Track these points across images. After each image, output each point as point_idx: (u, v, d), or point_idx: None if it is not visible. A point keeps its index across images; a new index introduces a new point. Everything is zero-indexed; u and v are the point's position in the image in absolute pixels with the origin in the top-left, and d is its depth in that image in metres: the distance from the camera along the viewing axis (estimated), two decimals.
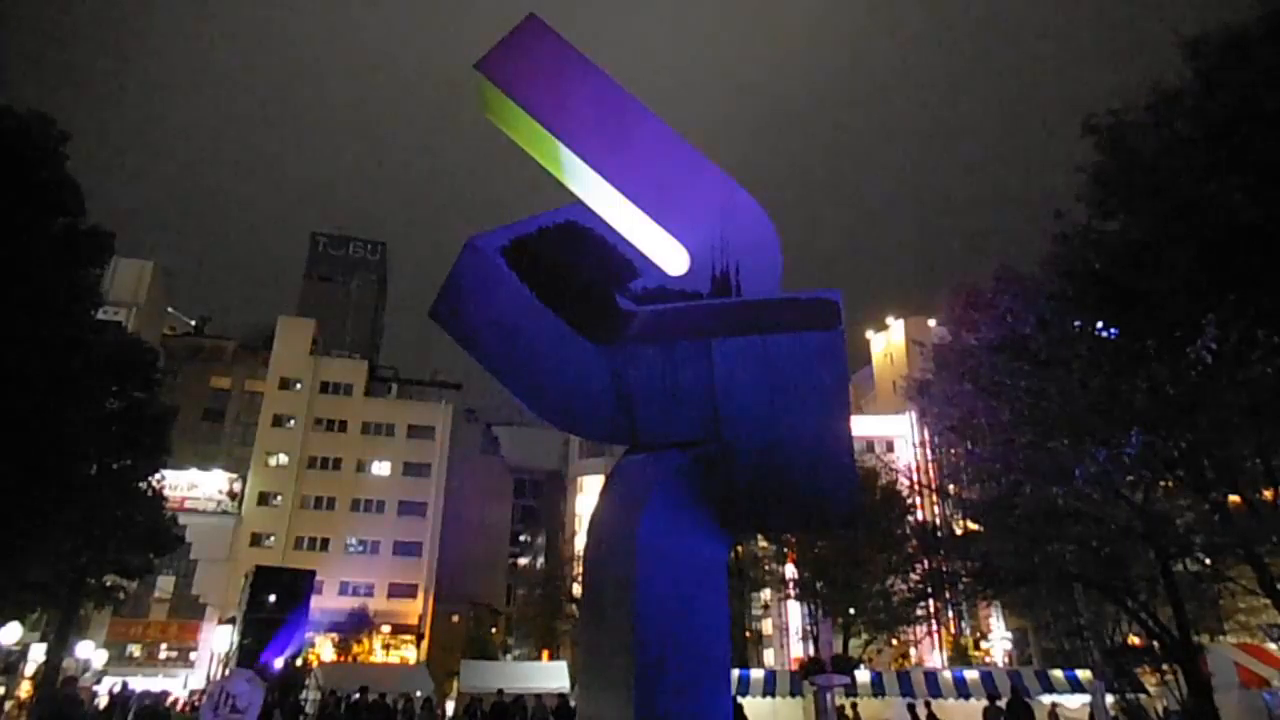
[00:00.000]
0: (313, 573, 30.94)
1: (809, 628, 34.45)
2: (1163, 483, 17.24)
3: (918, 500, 31.90)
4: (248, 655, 24.41)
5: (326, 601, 47.50)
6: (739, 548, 32.23)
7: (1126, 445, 14.17)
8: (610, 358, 4.20)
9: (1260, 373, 13.61)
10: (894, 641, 35.72)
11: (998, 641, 43.80)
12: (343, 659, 44.28)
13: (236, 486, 54.18)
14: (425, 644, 50.74)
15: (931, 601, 27.17)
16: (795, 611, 39.69)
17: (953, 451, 22.92)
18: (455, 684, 37.42)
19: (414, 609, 53.03)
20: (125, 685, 25.99)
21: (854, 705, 23.06)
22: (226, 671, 10.59)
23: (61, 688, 20.36)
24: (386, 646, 49.62)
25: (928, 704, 21.94)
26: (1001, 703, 19.21)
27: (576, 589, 38.39)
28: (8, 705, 26.57)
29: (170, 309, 68.05)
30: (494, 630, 59.90)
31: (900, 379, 41.53)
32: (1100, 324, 16.25)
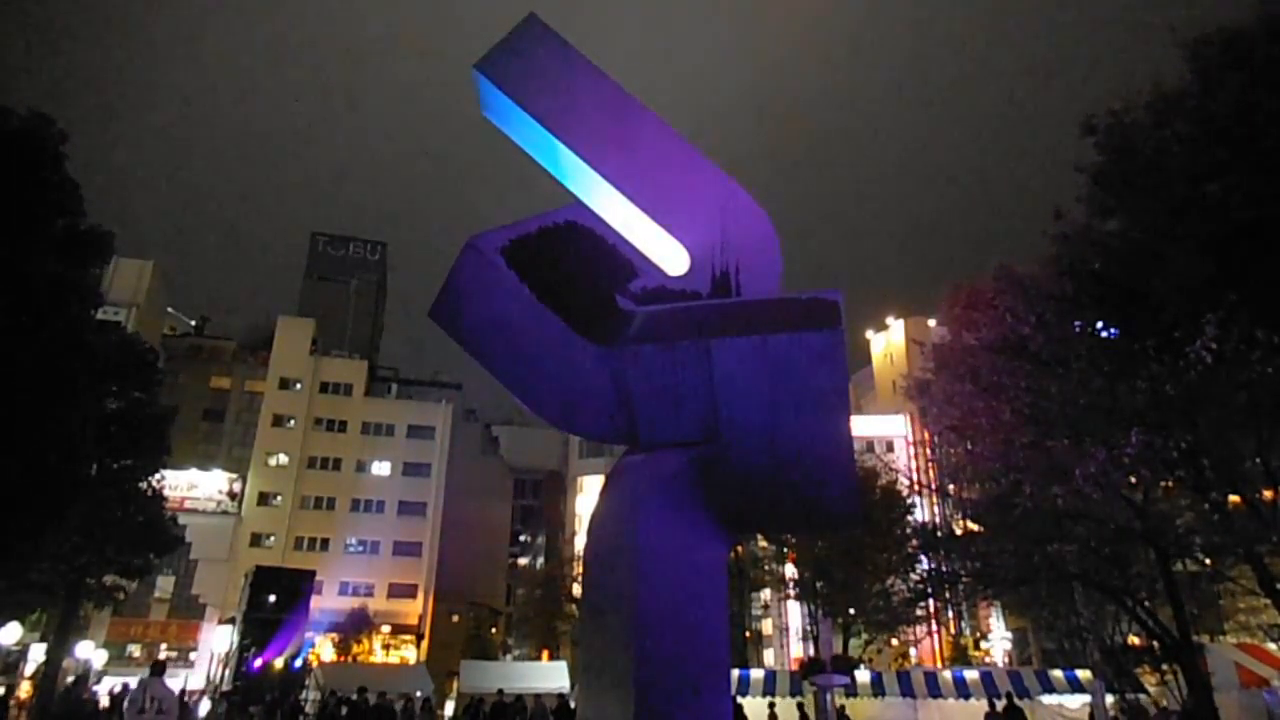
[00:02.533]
0: (313, 573, 31.02)
1: (809, 628, 34.47)
2: (1163, 483, 17.24)
3: (918, 500, 31.92)
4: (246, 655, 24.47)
5: (326, 601, 47.55)
6: (739, 548, 32.25)
7: (1126, 445, 14.17)
8: (610, 358, 4.20)
9: (1260, 373, 13.61)
10: (894, 641, 35.74)
11: (998, 641, 43.83)
12: (343, 659, 44.32)
13: (236, 486, 54.21)
14: (425, 644, 50.78)
15: (931, 601, 27.20)
16: (795, 611, 39.73)
17: (952, 451, 22.92)
18: (455, 684, 37.48)
19: (414, 609, 53.06)
20: (126, 686, 25.97)
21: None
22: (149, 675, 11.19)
23: (72, 688, 20.39)
24: (386, 646, 49.66)
25: (842, 708, 22.02)
26: (1000, 705, 19.38)
27: (576, 589, 38.41)
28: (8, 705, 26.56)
29: (170, 309, 68.08)
30: (494, 630, 59.93)
31: (900, 379, 41.57)
32: (1100, 324, 16.25)
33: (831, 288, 4.26)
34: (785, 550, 33.05)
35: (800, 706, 22.47)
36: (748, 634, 41.09)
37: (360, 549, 54.74)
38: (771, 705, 22.62)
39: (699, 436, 4.10)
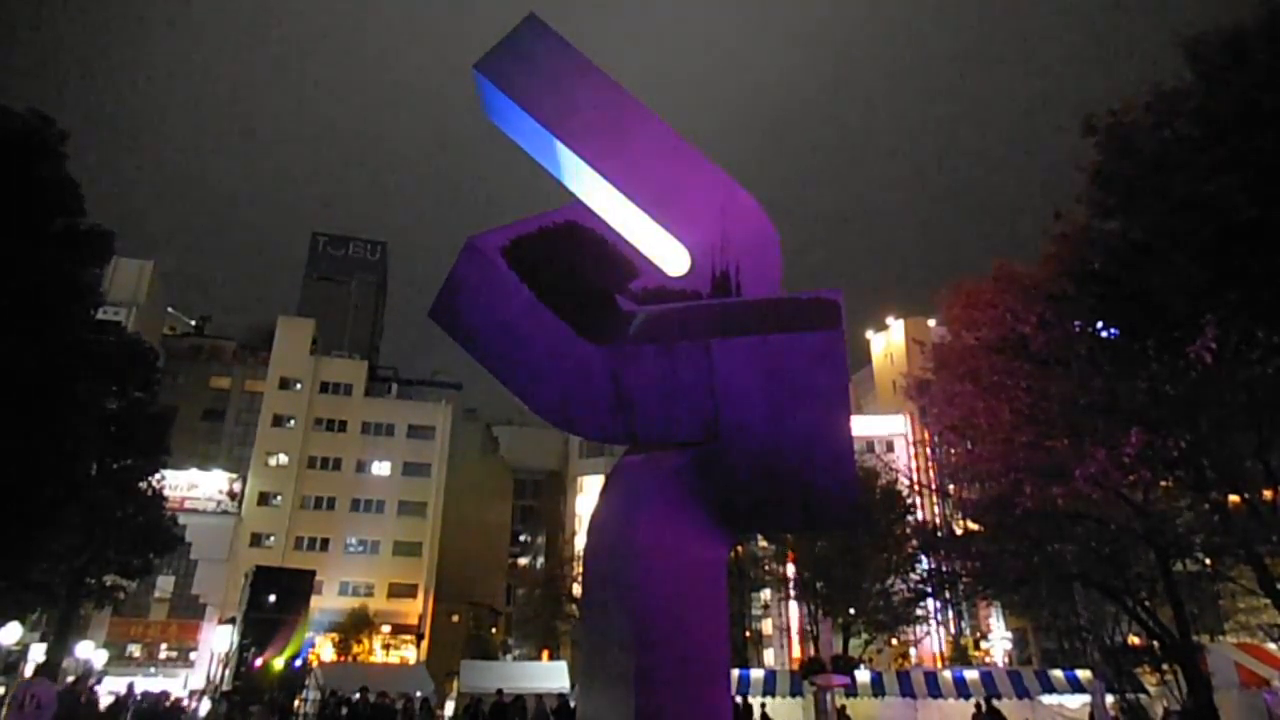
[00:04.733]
0: (313, 573, 30.95)
1: (809, 628, 34.46)
2: (1163, 483, 17.24)
3: (918, 500, 31.91)
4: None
5: (326, 601, 47.53)
6: (739, 548, 32.25)
7: (1126, 445, 14.16)
8: (610, 358, 4.20)
9: (1260, 373, 13.61)
10: (894, 641, 35.74)
11: (998, 641, 43.84)
12: (343, 659, 44.29)
13: (236, 486, 54.20)
14: (425, 644, 50.75)
15: (931, 601, 27.20)
16: (795, 611, 39.72)
17: (952, 451, 22.90)
18: (455, 684, 37.44)
19: (414, 609, 53.04)
20: (130, 687, 25.98)
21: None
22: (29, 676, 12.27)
23: (72, 688, 20.43)
24: (386, 646, 49.64)
25: (843, 708, 21.95)
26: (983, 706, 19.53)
27: (576, 589, 38.40)
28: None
29: (170, 309, 68.12)
30: (494, 630, 59.92)
31: (900, 378, 41.53)
32: (1100, 324, 16.25)
33: (831, 288, 4.26)
34: (785, 550, 33.03)
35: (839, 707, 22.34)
36: (748, 634, 41.07)
37: (360, 549, 54.72)
38: (763, 706, 22.61)
39: (699, 436, 4.10)
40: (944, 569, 22.82)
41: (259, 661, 24.56)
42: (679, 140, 4.96)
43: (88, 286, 19.22)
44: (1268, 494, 15.50)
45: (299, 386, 57.81)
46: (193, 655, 48.06)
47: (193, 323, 73.19)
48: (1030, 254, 18.09)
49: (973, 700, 21.90)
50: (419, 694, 27.44)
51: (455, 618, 56.03)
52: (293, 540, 53.38)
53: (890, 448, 48.24)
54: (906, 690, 23.07)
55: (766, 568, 35.46)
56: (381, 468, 57.13)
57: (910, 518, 30.52)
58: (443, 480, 57.47)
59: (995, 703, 20.09)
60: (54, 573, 22.95)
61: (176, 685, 39.02)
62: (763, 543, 34.19)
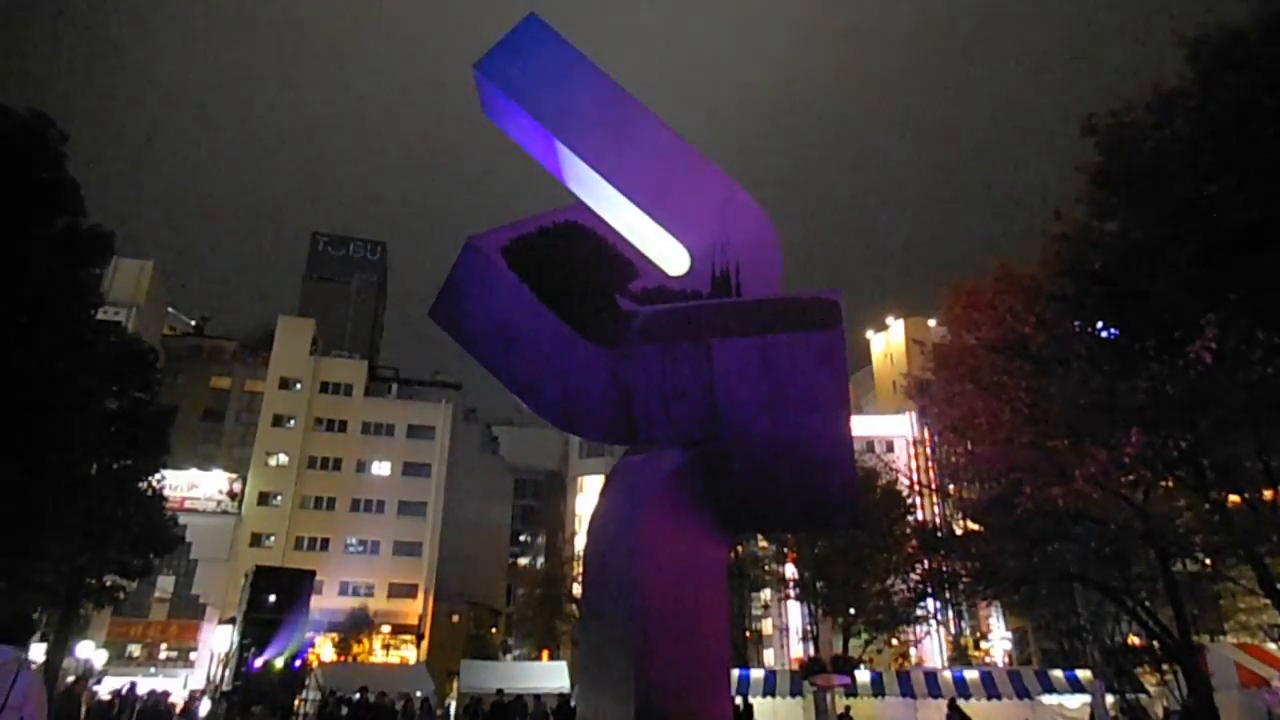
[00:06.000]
0: (313, 573, 30.88)
1: (809, 628, 34.45)
2: (1163, 483, 17.25)
3: (918, 500, 31.89)
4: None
5: (326, 601, 47.48)
6: (739, 548, 32.22)
7: (1126, 445, 14.17)
8: (610, 358, 4.20)
9: (1260, 373, 13.61)
10: (894, 641, 35.71)
11: (998, 641, 43.84)
12: (343, 659, 44.27)
13: (236, 486, 54.16)
14: (425, 644, 50.74)
15: (931, 601, 27.19)
16: (795, 611, 39.70)
17: (953, 451, 22.91)
18: (455, 684, 37.46)
19: (414, 609, 53.03)
20: (133, 686, 25.96)
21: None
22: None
23: (72, 688, 20.43)
24: (386, 646, 49.63)
25: (847, 709, 22.00)
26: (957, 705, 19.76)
27: (576, 589, 38.39)
28: None
29: (170, 309, 68.06)
30: (494, 630, 59.88)
31: (900, 378, 41.53)
32: (1100, 324, 16.26)
33: (831, 287, 4.26)
34: (785, 550, 33.02)
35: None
36: (748, 634, 41.04)
37: (360, 549, 54.70)
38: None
39: (699, 436, 4.10)
40: (944, 569, 22.81)
41: (259, 662, 24.54)
42: (679, 140, 4.96)
43: (88, 286, 19.20)
44: (1268, 494, 15.51)
45: (299, 386, 57.79)
46: (193, 655, 48.03)
47: (193, 323, 73.11)
48: (1030, 254, 18.10)
49: (973, 700, 21.92)
50: (419, 694, 27.44)
51: (455, 618, 56.00)
52: (293, 540, 53.37)
53: (890, 448, 48.16)
54: (906, 690, 23.08)
55: (766, 568, 35.42)
56: (381, 468, 57.11)
57: (910, 518, 30.51)
58: (443, 480, 57.44)
59: (995, 703, 20.14)
60: (54, 573, 22.92)
61: (176, 685, 39.00)
62: (763, 543, 34.16)
